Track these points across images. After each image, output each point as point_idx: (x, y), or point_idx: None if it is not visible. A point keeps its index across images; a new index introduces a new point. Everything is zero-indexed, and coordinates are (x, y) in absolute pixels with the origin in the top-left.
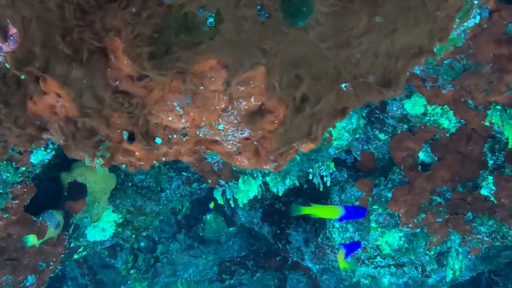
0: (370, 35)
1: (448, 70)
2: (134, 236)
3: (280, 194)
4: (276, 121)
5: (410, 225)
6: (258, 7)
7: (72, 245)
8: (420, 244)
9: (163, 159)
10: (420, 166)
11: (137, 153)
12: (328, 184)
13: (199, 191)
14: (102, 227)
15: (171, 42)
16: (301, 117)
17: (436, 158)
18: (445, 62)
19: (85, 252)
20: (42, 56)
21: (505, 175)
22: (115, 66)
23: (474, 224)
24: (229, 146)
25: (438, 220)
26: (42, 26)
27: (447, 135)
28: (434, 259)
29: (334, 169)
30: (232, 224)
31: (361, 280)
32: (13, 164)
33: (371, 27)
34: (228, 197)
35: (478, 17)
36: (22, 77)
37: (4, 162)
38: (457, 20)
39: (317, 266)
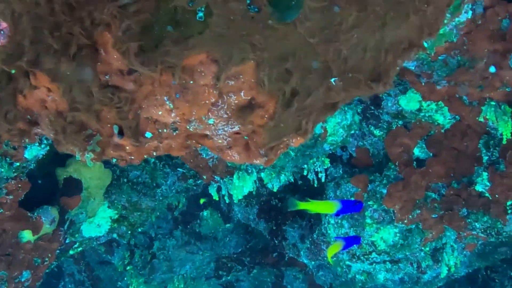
0: (359, 30)
1: (442, 66)
2: (129, 232)
3: (275, 190)
4: (266, 116)
5: (405, 221)
6: (248, 1)
7: (67, 241)
8: (415, 240)
9: (154, 153)
10: (415, 162)
11: (127, 148)
12: (323, 180)
13: (195, 187)
14: (98, 223)
15: (161, 36)
16: (291, 111)
17: (431, 154)
18: (439, 58)
19: (80, 248)
20: (32, 50)
21: (499, 171)
22: (105, 60)
23: (469, 220)
24: (220, 141)
25: (433, 216)
26: (32, 20)
27: (442, 131)
28: (429, 255)
29: (329, 165)
30: (229, 220)
31: (357, 276)
32: (7, 159)
33: (360, 22)
34: (223, 193)
35: (470, 12)
36: (13, 71)
37: None
38: (448, 15)
39: (312, 262)
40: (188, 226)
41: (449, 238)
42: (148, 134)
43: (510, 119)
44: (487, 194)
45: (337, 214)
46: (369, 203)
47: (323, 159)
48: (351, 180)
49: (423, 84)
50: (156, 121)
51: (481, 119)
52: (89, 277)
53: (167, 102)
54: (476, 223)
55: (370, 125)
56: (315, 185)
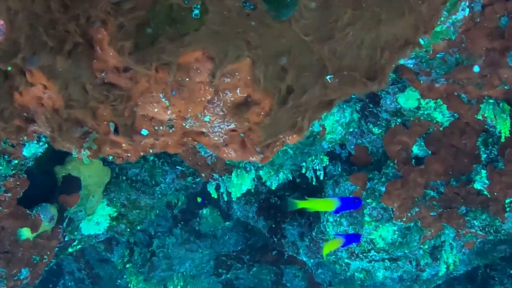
0: (354, 27)
1: (441, 64)
2: (128, 229)
3: (274, 188)
4: (262, 113)
5: (403, 219)
6: None
7: (66, 238)
8: (414, 238)
9: (151, 150)
10: (413, 160)
11: (124, 145)
12: (321, 178)
13: (194, 185)
14: (97, 220)
15: (157, 33)
16: (287, 109)
17: (430, 152)
18: (438, 55)
19: (79, 246)
20: (28, 47)
21: (498, 169)
22: (101, 57)
23: (468, 218)
24: (216, 138)
25: (431, 214)
26: (28, 18)
27: (441, 129)
28: (428, 253)
29: (328, 163)
30: (228, 218)
31: (356, 274)
32: (6, 157)
33: (356, 20)
34: (222, 191)
35: (467, 9)
36: (9, 69)
37: None
38: (445, 13)
39: (312, 260)
40: (188, 224)
41: (448, 236)
42: (144, 131)
43: (508, 117)
44: (485, 192)
45: (336, 212)
46: (367, 201)
47: (321, 157)
48: (350, 178)
49: (421, 82)
50: (152, 119)
51: (480, 117)
52: (89, 275)
53: (163, 99)
54: (474, 221)
55: (368, 123)
56: (314, 183)
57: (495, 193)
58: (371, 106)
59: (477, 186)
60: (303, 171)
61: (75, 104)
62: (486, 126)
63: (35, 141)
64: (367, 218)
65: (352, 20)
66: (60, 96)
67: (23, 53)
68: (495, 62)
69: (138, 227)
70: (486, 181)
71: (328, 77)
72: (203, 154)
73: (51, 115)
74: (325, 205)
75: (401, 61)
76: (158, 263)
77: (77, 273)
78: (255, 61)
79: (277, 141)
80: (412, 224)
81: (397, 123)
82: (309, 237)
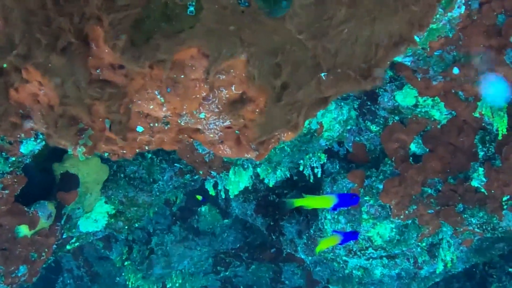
0: (349, 25)
1: (438, 62)
2: (126, 227)
3: (271, 185)
4: (257, 110)
5: (401, 217)
6: None
7: (64, 235)
8: (411, 236)
9: (147, 147)
10: (411, 158)
11: (119, 142)
12: (319, 175)
13: (192, 183)
14: (95, 218)
15: (152, 30)
16: (282, 105)
17: (427, 150)
18: (435, 53)
19: (77, 243)
20: (23, 44)
21: (495, 166)
22: (97, 54)
23: (465, 216)
24: (211, 135)
25: (429, 211)
26: (23, 14)
27: (438, 126)
28: (426, 250)
29: (325, 160)
30: (227, 216)
31: (354, 271)
32: (3, 154)
33: (350, 17)
34: (220, 188)
35: (463, 7)
36: (5, 65)
37: None
38: (441, 10)
39: (310, 258)
40: (186, 222)
41: (445, 233)
42: (140, 128)
43: (505, 114)
44: (483, 190)
45: (334, 208)
46: (365, 198)
47: (319, 154)
48: (347, 176)
49: (419, 79)
50: (148, 115)
51: (477, 115)
52: (87, 273)
53: (158, 96)
54: (472, 219)
55: (366, 121)
56: (311, 181)
57: (493, 191)
58: (369, 103)
59: (475, 183)
60: (301, 168)
61: (70, 101)
62: (483, 124)
63: (33, 138)
64: (365, 216)
65: (347, 18)
66: (56, 92)
67: (18, 50)
68: (492, 60)
69: (136, 225)
70: (484, 179)
71: (322, 74)
72: (200, 151)
73: (47, 112)
74: (322, 202)
75: (399, 59)
76: (156, 260)
77: (76, 270)
78: (249, 58)
79: (272, 138)
80: (410, 221)
81: (395, 121)
82: (307, 234)
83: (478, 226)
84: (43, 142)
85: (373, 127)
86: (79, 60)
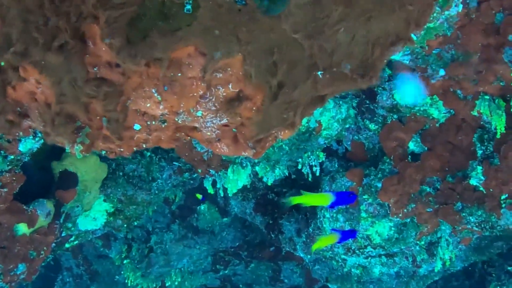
0: (345, 24)
1: (437, 60)
2: (125, 225)
3: (270, 184)
4: (254, 108)
5: (400, 215)
6: None
7: (63, 234)
8: (410, 234)
9: (144, 145)
10: (410, 156)
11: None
12: (318, 174)
13: (191, 181)
14: (94, 216)
15: (149, 28)
16: (279, 104)
17: (426, 148)
18: (433, 52)
19: (76, 241)
20: (20, 42)
21: (494, 165)
22: (94, 52)
23: (464, 214)
24: (208, 133)
25: (428, 210)
26: (21, 13)
27: (437, 125)
28: (425, 249)
29: (324, 159)
30: (226, 214)
31: (352, 270)
32: (2, 152)
33: (346, 16)
34: (218, 186)
35: (460, 5)
36: (2, 63)
37: None
38: (438, 9)
39: (308, 256)
40: (186, 220)
41: (444, 232)
42: (137, 126)
43: (504, 113)
44: (481, 188)
45: (331, 206)
46: (364, 197)
47: (317, 153)
48: (346, 174)
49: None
50: (145, 114)
51: (475, 113)
52: (87, 271)
53: (155, 95)
54: (470, 217)
55: (365, 119)
56: (310, 179)
57: (491, 189)
58: (367, 102)
59: (473, 182)
60: (299, 167)
61: (67, 99)
62: (481, 122)
63: (31, 137)
64: (363, 214)
65: (343, 17)
66: (53, 91)
67: (16, 48)
68: (490, 58)
69: (135, 223)
70: (482, 177)
71: (319, 72)
72: (199, 149)
73: (44, 110)
74: (320, 199)
75: (397, 58)
76: (156, 259)
77: (75, 269)
78: (246, 57)
79: (269, 136)
80: (409, 220)
81: (394, 119)
82: (306, 233)
83: (477, 224)
84: (42, 141)
85: (372, 126)
86: (76, 58)
